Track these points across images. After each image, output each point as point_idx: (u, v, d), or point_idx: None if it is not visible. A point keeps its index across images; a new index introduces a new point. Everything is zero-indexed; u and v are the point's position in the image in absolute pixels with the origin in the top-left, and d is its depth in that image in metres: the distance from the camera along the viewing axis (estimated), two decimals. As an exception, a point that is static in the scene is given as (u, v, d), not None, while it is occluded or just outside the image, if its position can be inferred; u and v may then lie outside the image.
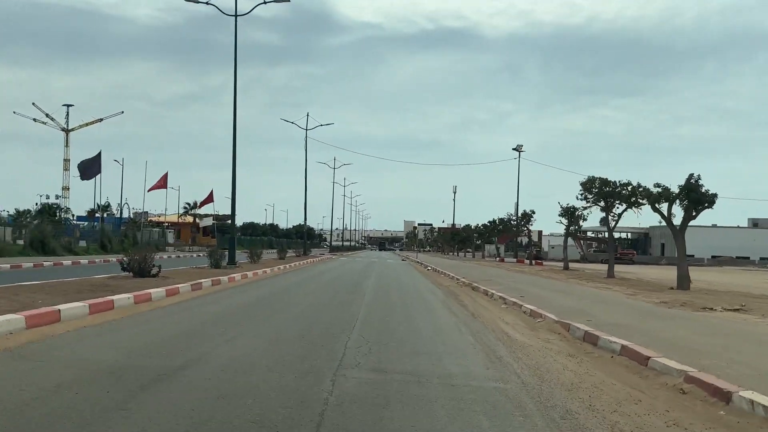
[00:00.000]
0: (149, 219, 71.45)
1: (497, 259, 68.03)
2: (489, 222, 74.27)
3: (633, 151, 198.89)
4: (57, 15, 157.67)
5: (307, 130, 51.85)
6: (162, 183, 51.74)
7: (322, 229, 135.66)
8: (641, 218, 32.13)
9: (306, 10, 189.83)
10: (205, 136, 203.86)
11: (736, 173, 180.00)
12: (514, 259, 66.00)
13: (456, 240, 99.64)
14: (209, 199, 49.87)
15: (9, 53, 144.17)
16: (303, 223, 59.77)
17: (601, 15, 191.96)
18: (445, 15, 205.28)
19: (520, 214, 61.32)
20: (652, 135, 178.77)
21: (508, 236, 70.43)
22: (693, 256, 60.07)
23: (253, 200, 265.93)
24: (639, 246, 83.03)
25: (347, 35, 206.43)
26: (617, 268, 31.55)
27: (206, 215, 58.69)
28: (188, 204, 77.38)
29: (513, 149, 62.67)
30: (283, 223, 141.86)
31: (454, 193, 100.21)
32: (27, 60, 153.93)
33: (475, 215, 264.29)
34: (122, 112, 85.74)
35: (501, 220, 68.08)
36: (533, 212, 58.86)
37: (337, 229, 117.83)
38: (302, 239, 59.65)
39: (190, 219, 75.98)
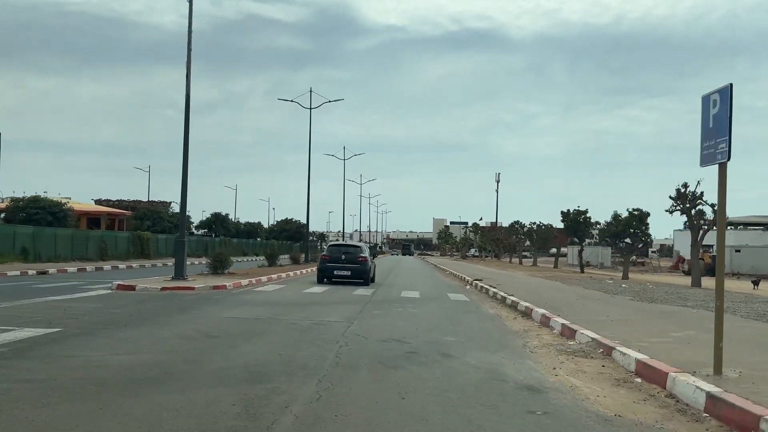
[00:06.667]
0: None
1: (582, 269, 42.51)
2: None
3: (663, 151, 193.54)
4: (84, 24, 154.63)
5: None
6: None
7: (339, 231, 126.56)
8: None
9: (330, 14, 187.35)
10: (228, 142, 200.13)
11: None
12: (604, 272, 45.10)
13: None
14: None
15: (37, 62, 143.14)
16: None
17: (629, 14, 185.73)
18: (470, 16, 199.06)
19: None
20: (683, 135, 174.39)
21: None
22: None
23: (250, 202, 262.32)
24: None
25: (372, 38, 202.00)
26: None
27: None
28: None
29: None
30: (267, 222, 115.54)
31: (497, 182, 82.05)
32: (55, 68, 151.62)
33: (509, 215, 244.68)
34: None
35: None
36: None
37: (357, 230, 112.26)
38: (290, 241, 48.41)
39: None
